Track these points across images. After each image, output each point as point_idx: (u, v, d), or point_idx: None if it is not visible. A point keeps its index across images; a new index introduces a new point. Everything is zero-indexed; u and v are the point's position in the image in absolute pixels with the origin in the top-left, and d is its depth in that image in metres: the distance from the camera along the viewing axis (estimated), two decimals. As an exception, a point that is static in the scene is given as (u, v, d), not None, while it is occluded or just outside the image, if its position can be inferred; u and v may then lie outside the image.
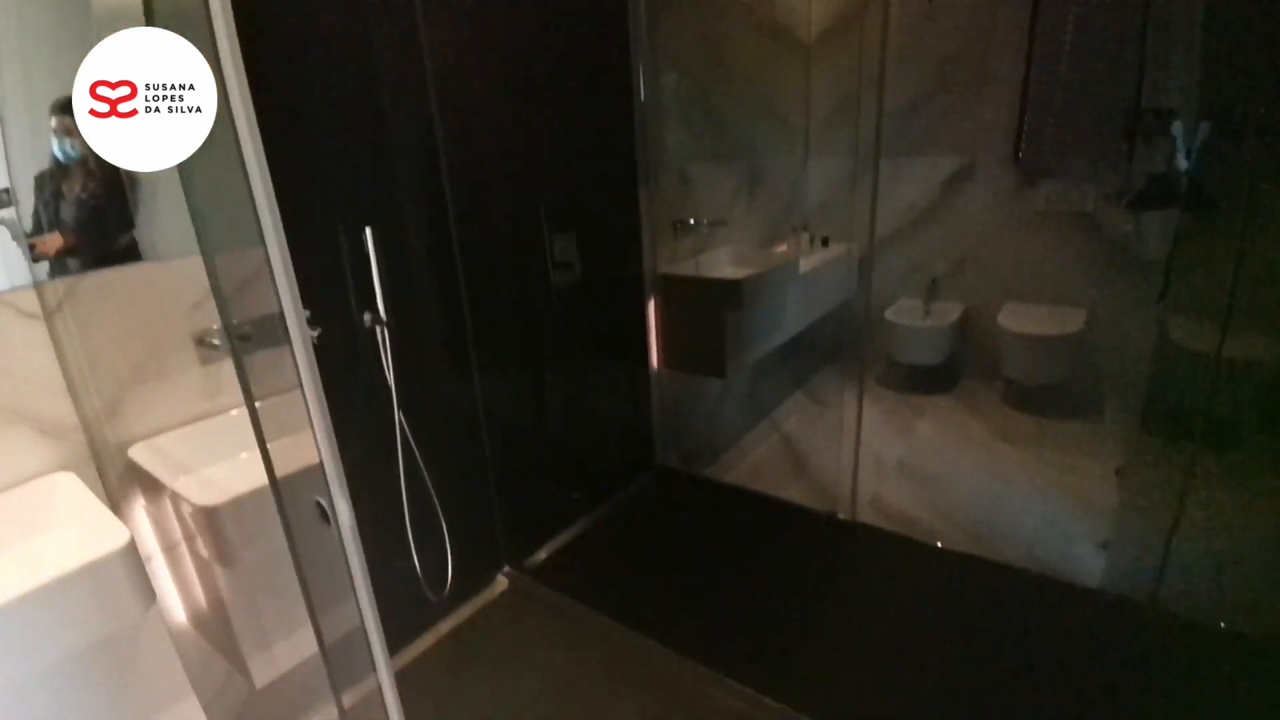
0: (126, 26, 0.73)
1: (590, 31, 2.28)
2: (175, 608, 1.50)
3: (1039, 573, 2.05)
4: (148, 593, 1.11)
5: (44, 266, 1.27)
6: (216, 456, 1.41)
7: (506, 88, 2.01)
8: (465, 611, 2.08)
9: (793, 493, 2.60)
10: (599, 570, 2.29)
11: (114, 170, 1.30)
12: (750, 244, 3.02)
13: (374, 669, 1.03)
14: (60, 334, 1.29)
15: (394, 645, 1.90)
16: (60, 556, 1.04)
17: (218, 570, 1.27)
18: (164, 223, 1.38)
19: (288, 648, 1.34)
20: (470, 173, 1.93)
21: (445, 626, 2.02)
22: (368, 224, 1.56)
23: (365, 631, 0.92)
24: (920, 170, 3.17)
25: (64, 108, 1.22)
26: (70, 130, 1.22)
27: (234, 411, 1.48)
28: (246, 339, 1.14)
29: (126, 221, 1.37)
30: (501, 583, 2.21)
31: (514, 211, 2.10)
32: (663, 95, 2.58)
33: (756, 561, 2.30)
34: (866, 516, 2.41)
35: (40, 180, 1.24)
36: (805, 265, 2.97)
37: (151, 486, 1.34)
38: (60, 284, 1.28)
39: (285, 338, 0.87)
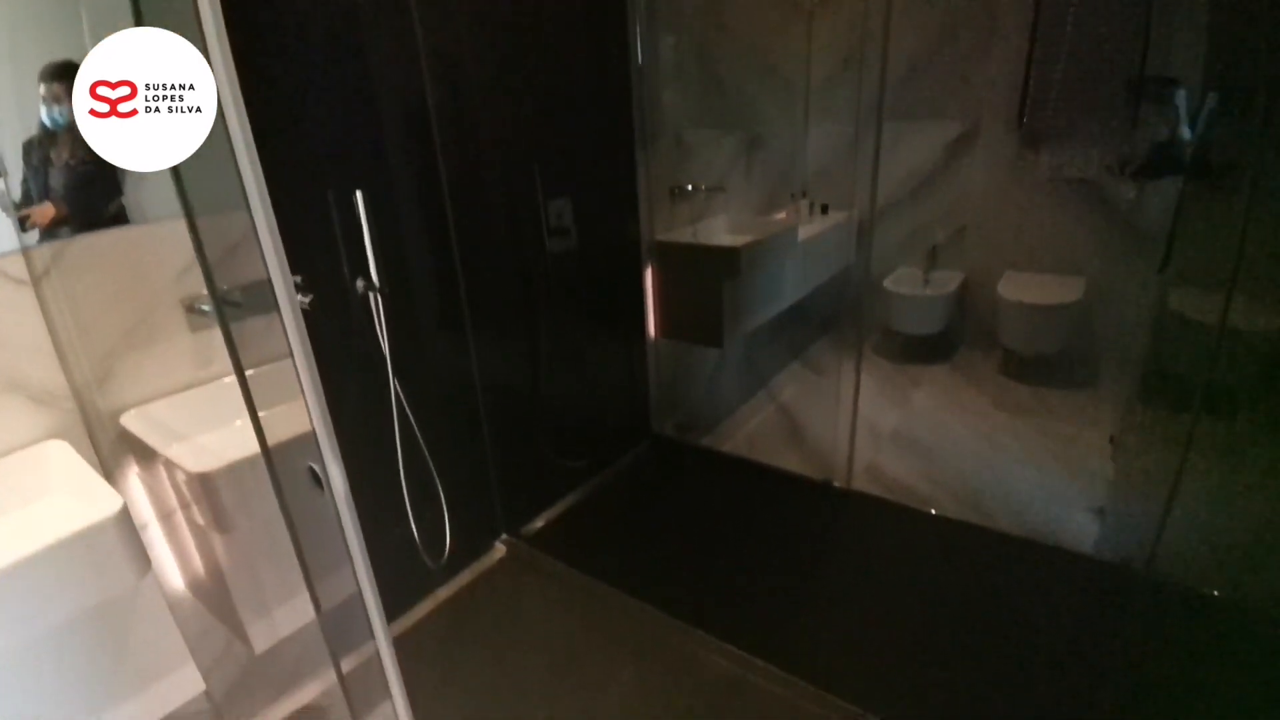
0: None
1: (586, -10, 2.21)
2: (173, 575, 1.50)
3: (1033, 539, 2.08)
4: (143, 560, 1.10)
5: (31, 231, 1.24)
6: (210, 424, 1.40)
7: (500, 49, 1.95)
8: (464, 578, 2.10)
9: (789, 462, 2.61)
10: (596, 538, 2.31)
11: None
12: (748, 211, 2.98)
13: (372, 633, 1.04)
14: (49, 300, 1.27)
15: (393, 612, 1.92)
16: (53, 524, 1.03)
17: (214, 537, 1.27)
18: (151, 185, 1.35)
19: (287, 613, 1.35)
20: (463, 135, 1.89)
21: (444, 593, 2.04)
22: (358, 187, 1.52)
23: (362, 597, 0.92)
24: (922, 135, 3.12)
25: (53, 75, 1.21)
26: (59, 97, 1.21)
27: (227, 379, 1.47)
28: (237, 305, 1.12)
29: (115, 188, 1.34)
30: (499, 550, 2.23)
31: (508, 176, 2.06)
32: (660, 57, 2.52)
33: (752, 529, 2.31)
34: (862, 485, 2.42)
35: (28, 148, 1.23)
36: (804, 233, 2.93)
37: (145, 454, 1.33)
38: (47, 249, 1.26)
39: (274, 302, 0.85)
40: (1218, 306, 1.78)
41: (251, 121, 0.78)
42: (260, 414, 0.96)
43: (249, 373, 0.95)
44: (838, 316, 3.33)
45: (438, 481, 1.81)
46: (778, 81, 3.11)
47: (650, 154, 2.49)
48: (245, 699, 1.62)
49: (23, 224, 1.23)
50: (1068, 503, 2.26)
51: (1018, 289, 2.91)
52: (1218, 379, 1.91)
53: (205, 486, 1.18)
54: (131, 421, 1.33)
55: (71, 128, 1.23)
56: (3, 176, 1.21)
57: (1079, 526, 2.14)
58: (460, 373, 2.05)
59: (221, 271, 1.07)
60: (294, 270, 0.86)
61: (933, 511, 2.26)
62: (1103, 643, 1.73)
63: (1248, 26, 1.98)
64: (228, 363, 1.47)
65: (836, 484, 2.42)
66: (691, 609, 1.85)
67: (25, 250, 1.23)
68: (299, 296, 1.02)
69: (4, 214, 1.21)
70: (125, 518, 1.07)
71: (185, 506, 1.36)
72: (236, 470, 1.19)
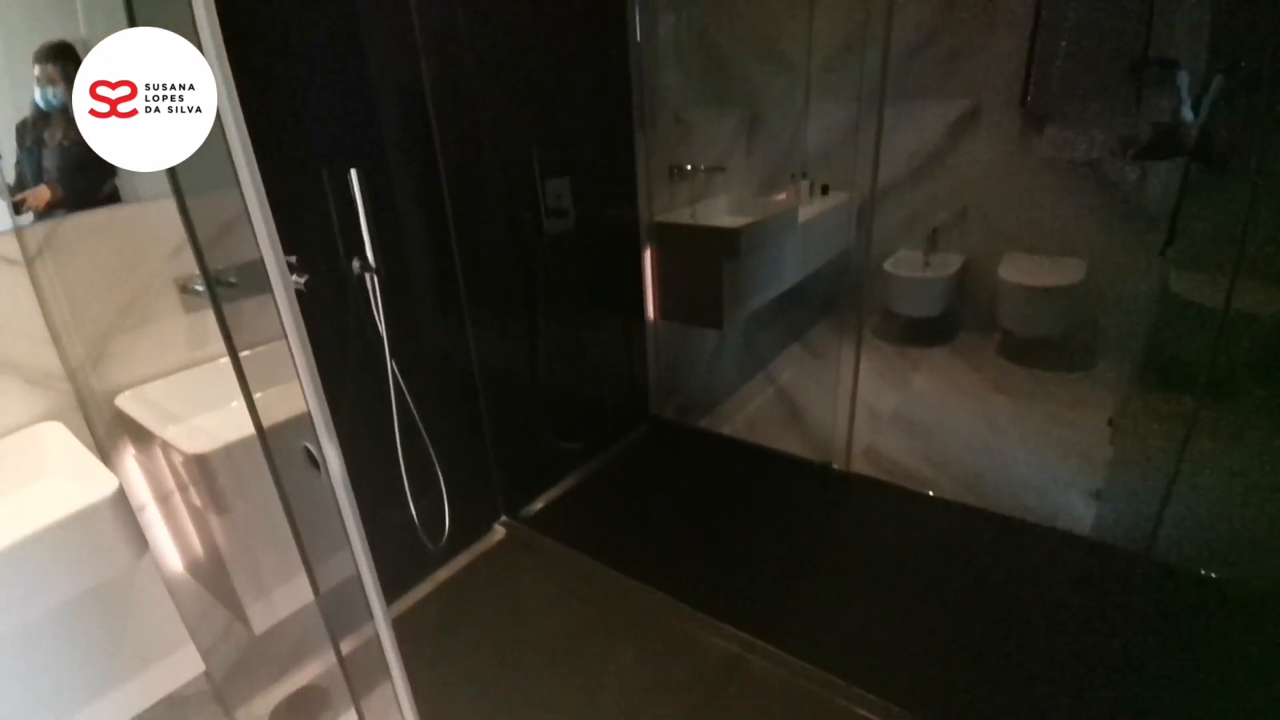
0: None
1: (584, -35, 2.17)
2: (172, 557, 1.50)
3: (1030, 521, 2.08)
4: (139, 541, 1.10)
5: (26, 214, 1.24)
6: (206, 405, 1.39)
7: (496, 25, 1.92)
8: (462, 560, 2.10)
9: (788, 444, 2.61)
10: (595, 520, 2.31)
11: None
12: (748, 191, 2.96)
13: (371, 614, 1.04)
14: (42, 280, 1.26)
15: (392, 593, 1.93)
16: (49, 506, 1.02)
17: (212, 519, 1.26)
18: (145, 164, 1.33)
19: (286, 594, 1.35)
20: (459, 113, 1.86)
21: (443, 575, 2.04)
22: (353, 165, 1.50)
23: (360, 577, 0.92)
24: (924, 116, 3.08)
25: (47, 55, 1.21)
26: (53, 78, 1.20)
27: (223, 359, 1.45)
28: (231, 285, 1.10)
29: (109, 168, 1.32)
30: (498, 532, 2.23)
31: (505, 155, 2.03)
32: (659, 35, 2.48)
33: (751, 511, 2.32)
34: (861, 467, 2.42)
35: (21, 129, 1.22)
36: (804, 214, 2.91)
37: (141, 435, 1.32)
38: (40, 229, 1.25)
39: (268, 285, 0.84)
40: (1220, 289, 1.77)
41: (242, 99, 0.76)
42: (256, 395, 0.95)
43: (244, 354, 0.94)
44: (837, 299, 3.32)
45: (436, 464, 1.80)
46: (779, 60, 3.07)
47: (649, 133, 2.46)
48: (246, 680, 1.63)
49: (18, 208, 1.22)
50: (1065, 485, 2.27)
51: (1018, 271, 2.90)
52: (1221, 362, 1.90)
53: (202, 468, 1.17)
54: (127, 403, 1.32)
55: (65, 109, 1.23)
56: (-1, 157, 1.20)
57: (1076, 508, 2.15)
58: (458, 355, 2.04)
59: (215, 252, 1.05)
60: (288, 250, 0.84)
61: (931, 494, 2.26)
62: (1100, 623, 1.74)
63: (1253, 9, 1.96)
64: (221, 344, 1.47)
65: (836, 466, 2.42)
66: (691, 590, 1.86)
67: (18, 230, 1.22)
68: (294, 277, 1.01)
69: (-3, 193, 1.20)
70: (121, 499, 1.06)
71: (183, 489, 1.35)
72: (233, 451, 1.18)
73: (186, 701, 1.54)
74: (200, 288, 1.41)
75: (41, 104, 1.22)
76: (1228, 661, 1.59)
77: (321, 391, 0.83)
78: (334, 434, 0.80)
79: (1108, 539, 2.01)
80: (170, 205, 1.35)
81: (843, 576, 2.00)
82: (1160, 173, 2.62)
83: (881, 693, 1.52)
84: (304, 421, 0.90)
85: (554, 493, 2.40)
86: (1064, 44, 2.69)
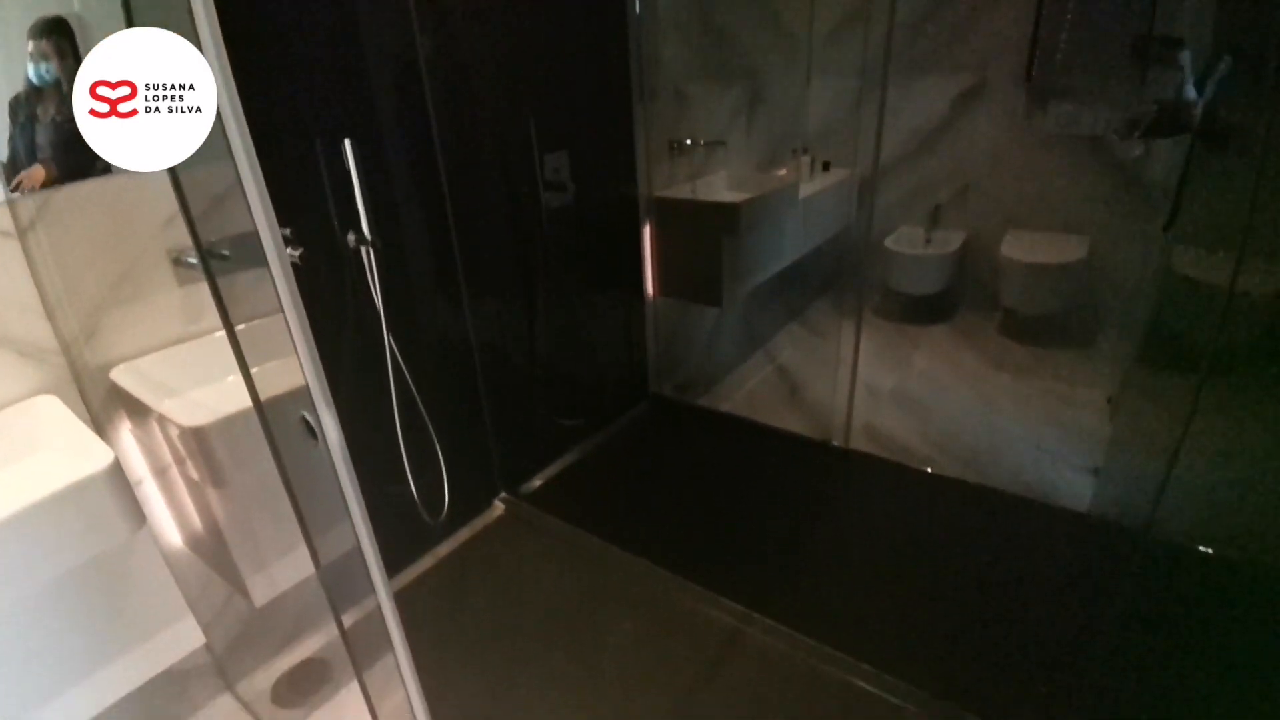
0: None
1: (581, -68, 2.12)
2: (171, 532, 1.50)
3: (1028, 497, 2.09)
4: (136, 514, 1.09)
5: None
6: (201, 380, 1.37)
7: (492, -9, 1.88)
8: (462, 535, 2.11)
9: (787, 421, 2.61)
10: (594, 497, 2.32)
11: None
12: (749, 167, 2.92)
13: (372, 587, 1.04)
14: (34, 253, 1.24)
15: (392, 568, 1.93)
16: (45, 478, 1.02)
17: (210, 492, 1.26)
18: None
19: (286, 567, 1.35)
20: (454, 84, 1.82)
21: (443, 550, 2.05)
22: (346, 136, 1.47)
23: (360, 549, 0.91)
24: (927, 91, 3.03)
25: (41, 31, 1.20)
26: (47, 54, 1.20)
27: (218, 333, 1.44)
28: (224, 258, 1.08)
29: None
30: (498, 508, 2.24)
31: (502, 127, 2.00)
32: (659, 6, 2.43)
33: (750, 487, 2.32)
34: (860, 444, 2.43)
35: (14, 105, 1.21)
36: (805, 190, 2.88)
37: (136, 409, 1.31)
38: (33, 200, 1.23)
39: (263, 256, 0.82)
40: (1223, 267, 1.76)
41: (232, 65, 0.74)
42: (252, 370, 0.94)
43: (239, 328, 0.93)
44: (838, 276, 3.30)
45: (435, 440, 1.80)
46: (780, 33, 3.01)
47: (648, 107, 2.42)
48: (247, 653, 1.64)
49: (15, 190, 1.22)
50: (1063, 462, 2.27)
51: (1021, 248, 2.88)
52: (1224, 340, 1.90)
53: (199, 441, 1.17)
54: (122, 376, 1.31)
55: (59, 84, 1.22)
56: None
57: (1075, 485, 2.16)
58: (455, 330, 2.02)
59: (208, 224, 1.03)
60: (282, 223, 0.83)
61: (929, 470, 2.27)
62: (1096, 598, 1.75)
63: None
64: (216, 319, 1.46)
65: (835, 443, 2.42)
66: (690, 565, 1.87)
67: (11, 202, 1.20)
68: (288, 250, 0.99)
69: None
70: (117, 471, 1.05)
71: (180, 462, 1.34)
72: (230, 424, 1.17)
73: (188, 675, 1.55)
74: (193, 260, 1.39)
75: (35, 80, 1.21)
76: (1223, 636, 1.61)
77: (318, 360, 0.81)
78: (331, 403, 0.79)
79: (1106, 515, 2.02)
80: (162, 176, 1.33)
81: (841, 551, 2.01)
82: (1164, 150, 2.59)
83: (879, 665, 1.54)
84: (301, 395, 0.89)
85: (553, 469, 2.40)
86: (1069, 18, 2.65)
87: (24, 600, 1.05)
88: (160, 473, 1.43)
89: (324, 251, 1.57)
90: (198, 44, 0.73)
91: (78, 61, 1.23)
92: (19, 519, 0.96)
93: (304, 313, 0.83)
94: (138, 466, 1.41)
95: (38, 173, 1.24)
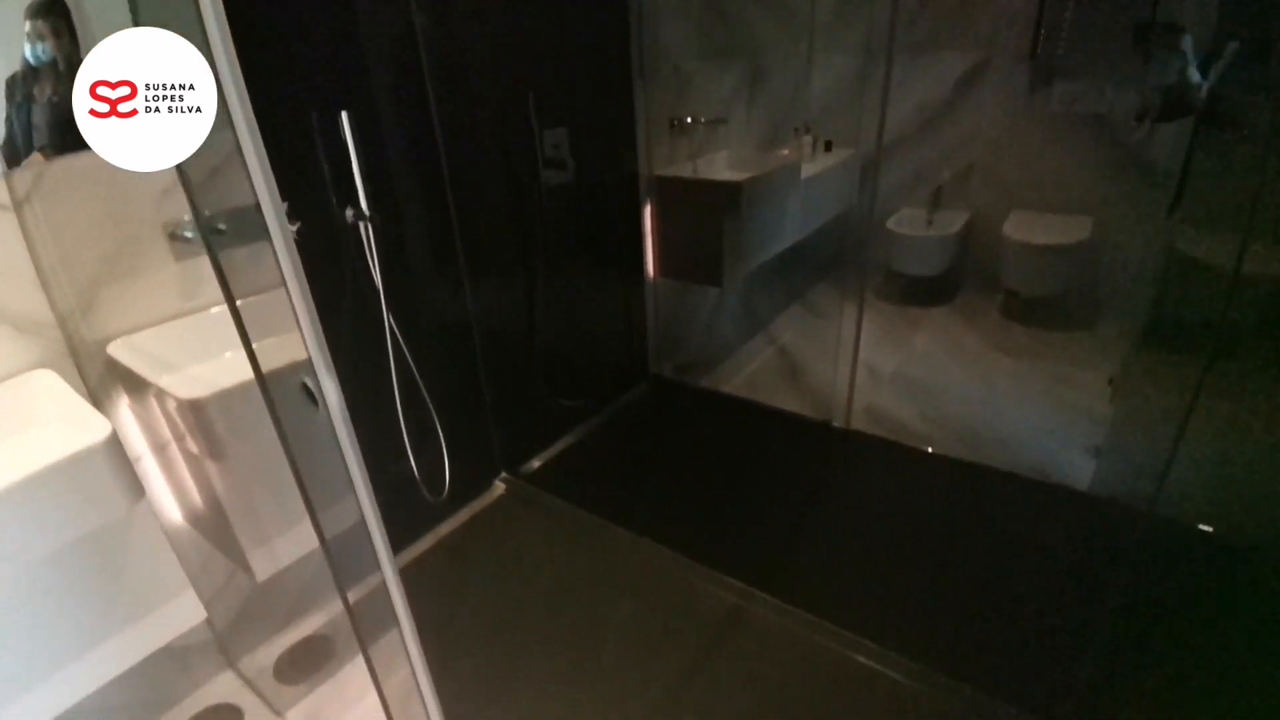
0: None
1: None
2: (171, 509, 1.49)
3: (1029, 476, 2.09)
4: (135, 487, 1.09)
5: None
6: (198, 356, 1.36)
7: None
8: (463, 515, 2.11)
9: (788, 403, 2.61)
10: (595, 477, 2.31)
11: (85, 70, 1.25)
12: (750, 146, 2.89)
13: (375, 558, 1.03)
14: (30, 225, 1.23)
15: (394, 547, 1.91)
16: (42, 451, 1.01)
17: (210, 466, 1.25)
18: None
19: (288, 542, 1.34)
20: (451, 57, 1.79)
21: (444, 529, 2.05)
22: (343, 109, 1.45)
23: (363, 519, 0.91)
24: (931, 69, 3.00)
25: (37, 11, 1.20)
26: (43, 34, 1.20)
27: (214, 309, 1.43)
28: (220, 233, 1.07)
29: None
30: (498, 488, 2.23)
31: (501, 102, 1.97)
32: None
33: (751, 467, 2.32)
34: (861, 424, 2.42)
35: (11, 85, 1.21)
36: (807, 170, 2.85)
37: (134, 384, 1.30)
38: (29, 172, 1.22)
39: (262, 229, 0.81)
40: (1228, 249, 1.75)
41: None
42: (252, 345, 0.92)
43: (238, 303, 0.91)
44: (839, 258, 3.28)
45: (435, 419, 1.79)
46: (782, 9, 2.97)
47: (649, 83, 2.39)
48: (249, 630, 1.64)
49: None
50: (1064, 442, 2.27)
51: (1024, 229, 2.86)
52: (1223, 321, 1.89)
53: (197, 414, 1.15)
54: (118, 351, 1.30)
55: (55, 65, 1.22)
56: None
57: (1075, 465, 2.16)
58: (455, 308, 2.01)
59: (203, 197, 1.02)
60: (280, 196, 0.81)
61: (930, 450, 2.27)
62: (1095, 574, 1.76)
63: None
64: (211, 294, 1.45)
65: (836, 424, 2.42)
66: (691, 544, 1.87)
67: (6, 174, 1.19)
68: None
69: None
70: (115, 443, 1.04)
71: (179, 437, 1.33)
72: (228, 397, 1.16)
73: (189, 651, 1.55)
74: (189, 234, 1.38)
75: (31, 60, 1.21)
76: (1223, 615, 1.61)
77: (319, 325, 0.80)
78: (332, 369, 0.77)
79: (1106, 493, 2.02)
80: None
81: (842, 530, 2.01)
82: (1168, 132, 2.57)
83: (879, 640, 1.54)
84: (300, 370, 0.88)
85: (553, 450, 2.40)
86: (1073, -1, 2.62)
87: (23, 574, 1.04)
88: (159, 449, 1.42)
89: (322, 227, 1.55)
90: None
91: (74, 41, 1.23)
92: (16, 491, 0.95)
93: (304, 279, 0.81)
94: (136, 443, 1.40)
95: (39, 160, 1.23)
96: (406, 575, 1.90)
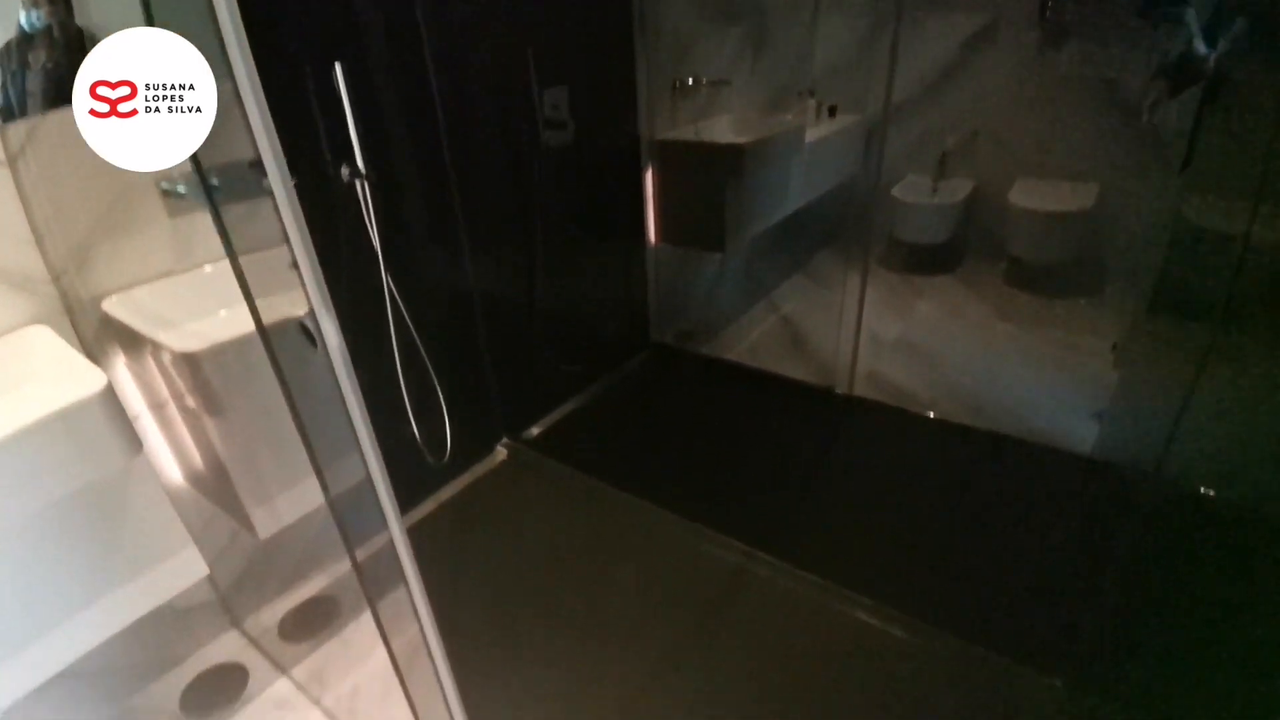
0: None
1: None
2: (171, 468, 1.48)
3: (1032, 441, 2.08)
4: (133, 440, 1.07)
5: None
6: (194, 312, 1.34)
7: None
8: (465, 480, 2.11)
9: (791, 370, 2.59)
10: (597, 442, 2.31)
11: (79, 36, 1.25)
12: (753, 109, 2.84)
13: (380, 515, 1.02)
14: (24, 180, 1.21)
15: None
16: (37, 404, 0.99)
17: (208, 421, 1.24)
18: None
19: (290, 500, 1.33)
20: (448, 9, 1.74)
21: (446, 494, 2.05)
22: (336, 60, 1.41)
23: (368, 472, 0.90)
24: (938, 30, 2.93)
25: None
26: (37, 1, 1.20)
27: (208, 267, 1.40)
28: (214, 189, 1.04)
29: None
30: (500, 453, 2.23)
31: (499, 58, 1.92)
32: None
33: (753, 432, 2.32)
34: (863, 390, 2.41)
35: (6, 52, 1.20)
36: (811, 135, 2.80)
37: (130, 340, 1.28)
38: (22, 125, 1.21)
39: (258, 182, 0.78)
40: (1236, 217, 1.73)
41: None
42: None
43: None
44: (843, 225, 3.25)
45: (436, 383, 1.77)
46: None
47: (650, 42, 2.33)
48: (253, 590, 1.64)
49: None
50: (1068, 407, 2.26)
51: (1030, 196, 2.82)
52: (1228, 288, 1.88)
53: (193, 367, 1.14)
54: (114, 307, 1.28)
55: (49, 31, 1.21)
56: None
57: (1077, 429, 2.15)
58: (454, 271, 1.98)
59: (200, 151, 0.99)
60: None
61: (932, 415, 2.26)
62: (1097, 535, 1.76)
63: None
64: (206, 251, 1.43)
65: (838, 390, 2.41)
66: (694, 507, 1.87)
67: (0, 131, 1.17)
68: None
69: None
70: (110, 395, 1.03)
71: (177, 395, 1.32)
72: (223, 351, 1.14)
73: (192, 611, 1.56)
74: (183, 189, 1.35)
75: (26, 26, 1.20)
76: (1220, 572, 1.62)
77: (321, 274, 0.78)
78: (332, 309, 0.76)
79: (1109, 458, 2.02)
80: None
81: (844, 493, 2.01)
82: (1180, 99, 2.52)
83: (880, 598, 1.55)
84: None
85: (555, 415, 2.39)
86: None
87: (19, 527, 1.04)
88: (157, 408, 1.41)
89: (317, 184, 1.52)
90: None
91: (68, 8, 1.22)
92: (12, 443, 0.94)
93: (305, 223, 0.79)
94: (134, 401, 1.38)
95: None
96: (409, 538, 1.91)
